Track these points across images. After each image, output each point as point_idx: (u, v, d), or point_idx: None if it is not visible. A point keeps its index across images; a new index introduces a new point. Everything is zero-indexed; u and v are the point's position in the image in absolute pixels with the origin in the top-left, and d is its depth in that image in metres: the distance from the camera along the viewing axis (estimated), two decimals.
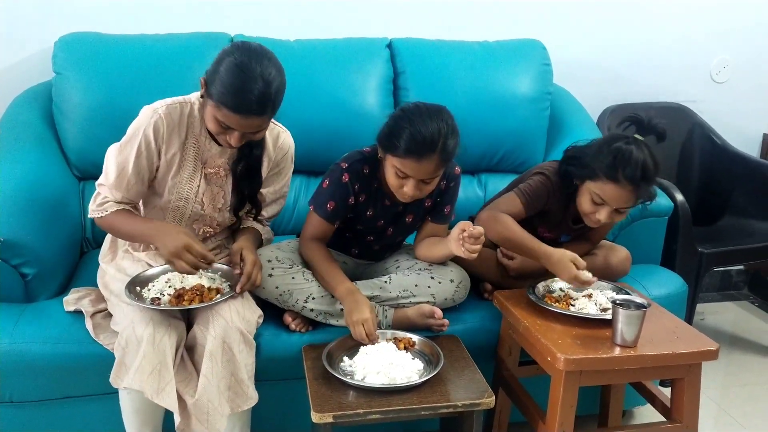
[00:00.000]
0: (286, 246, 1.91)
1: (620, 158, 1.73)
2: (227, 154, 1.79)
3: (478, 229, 1.68)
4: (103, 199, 1.74)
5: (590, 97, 2.71)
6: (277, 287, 1.78)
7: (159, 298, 1.66)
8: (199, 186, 1.79)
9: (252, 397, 1.66)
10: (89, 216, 1.77)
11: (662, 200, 2.18)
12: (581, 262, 1.76)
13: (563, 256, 1.77)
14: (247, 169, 1.80)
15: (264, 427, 1.80)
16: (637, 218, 2.15)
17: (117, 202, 1.74)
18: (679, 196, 2.27)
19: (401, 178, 1.71)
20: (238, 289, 1.70)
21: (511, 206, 1.91)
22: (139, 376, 1.55)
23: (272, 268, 1.79)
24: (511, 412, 1.94)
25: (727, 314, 3.04)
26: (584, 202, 1.82)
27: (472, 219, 2.07)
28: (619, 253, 1.97)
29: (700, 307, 2.78)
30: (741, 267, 3.20)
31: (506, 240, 1.87)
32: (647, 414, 2.15)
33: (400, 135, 1.67)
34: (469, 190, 2.49)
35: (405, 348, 1.70)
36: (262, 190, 1.89)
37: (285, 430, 1.91)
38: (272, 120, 1.75)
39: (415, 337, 1.75)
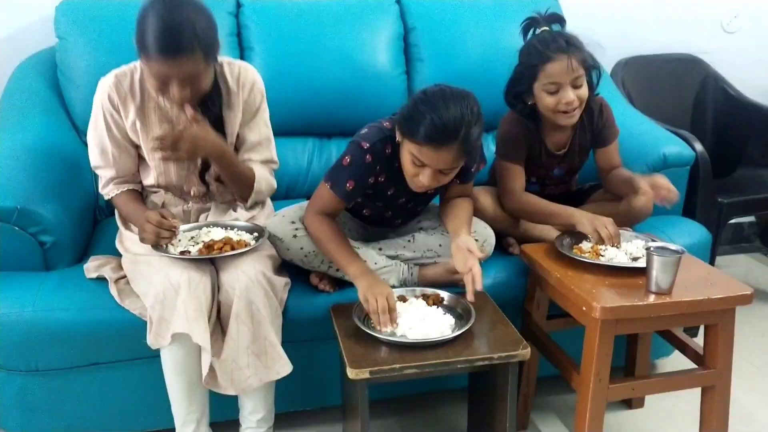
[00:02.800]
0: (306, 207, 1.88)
1: (541, 43, 1.84)
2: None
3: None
4: (105, 181, 1.79)
5: (606, 50, 2.67)
6: (302, 248, 1.76)
7: (188, 251, 1.65)
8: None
9: (287, 362, 1.64)
10: (106, 198, 1.83)
11: (683, 150, 2.17)
12: (611, 227, 1.76)
13: (593, 220, 1.79)
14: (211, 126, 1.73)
15: (292, 389, 1.79)
16: (659, 169, 2.14)
17: (116, 180, 1.78)
18: (699, 146, 2.25)
19: (417, 166, 1.62)
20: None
21: (511, 175, 1.95)
22: (184, 321, 1.53)
23: (296, 229, 1.76)
24: (539, 367, 1.94)
25: (740, 266, 3.06)
26: (546, 101, 1.85)
27: (491, 178, 2.07)
28: (641, 197, 1.92)
29: None
30: (752, 219, 3.21)
31: (538, 217, 1.93)
32: (672, 365, 2.16)
33: (420, 120, 1.56)
34: (485, 147, 2.46)
35: (434, 304, 1.69)
36: (239, 131, 1.82)
37: (313, 391, 1.90)
38: (230, 60, 1.79)
39: (443, 293, 1.73)
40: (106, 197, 1.82)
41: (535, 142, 1.97)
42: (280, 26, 2.31)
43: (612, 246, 1.75)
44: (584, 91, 1.86)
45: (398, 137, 1.67)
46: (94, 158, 1.78)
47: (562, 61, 1.80)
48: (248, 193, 1.83)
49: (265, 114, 1.87)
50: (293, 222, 1.78)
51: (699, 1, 2.89)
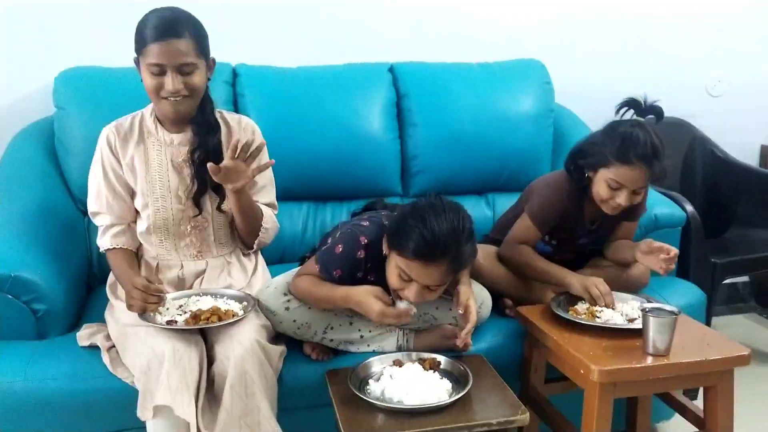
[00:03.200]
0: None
1: (629, 141, 1.78)
2: (189, 142, 1.81)
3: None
4: (103, 229, 1.84)
5: (591, 114, 2.72)
6: (294, 320, 1.75)
7: (175, 321, 1.64)
8: (169, 180, 1.81)
9: None
10: (101, 249, 1.86)
11: (675, 210, 2.20)
12: (599, 285, 1.77)
13: (583, 279, 1.80)
14: (206, 155, 1.77)
15: None
16: (652, 230, 2.16)
17: (113, 236, 1.82)
18: (690, 207, 2.29)
19: (404, 281, 1.59)
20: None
21: (527, 233, 1.95)
22: (166, 392, 1.51)
23: (288, 301, 1.76)
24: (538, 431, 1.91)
25: (736, 327, 3.05)
26: (601, 190, 1.85)
27: (485, 239, 2.08)
28: (639, 265, 1.96)
29: None
30: (746, 279, 3.22)
31: (528, 272, 1.93)
32: (672, 429, 2.13)
33: (410, 234, 1.53)
34: (477, 210, 2.49)
35: (431, 368, 1.68)
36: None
37: None
38: (230, 112, 1.92)
39: (440, 357, 1.72)
40: (102, 249, 1.84)
41: (572, 212, 1.95)
42: (276, 94, 2.35)
43: (604, 305, 1.76)
44: (639, 198, 1.87)
45: (385, 250, 1.65)
46: (91, 203, 1.84)
47: (638, 170, 1.78)
48: (257, 229, 1.86)
49: (266, 154, 1.90)
50: (285, 294, 1.77)
51: (684, 67, 2.97)
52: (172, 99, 1.72)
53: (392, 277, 1.63)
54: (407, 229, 1.55)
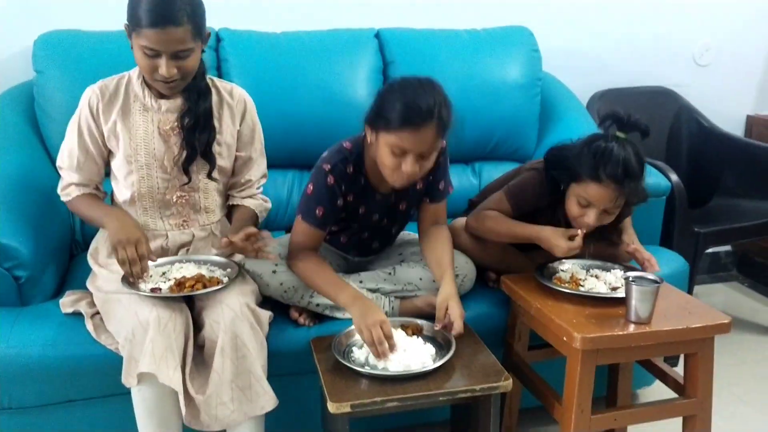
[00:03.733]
0: (287, 241, 1.87)
1: (600, 157, 1.69)
2: (177, 109, 1.76)
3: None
4: (65, 183, 1.78)
5: (578, 83, 2.73)
6: (281, 284, 1.76)
7: (159, 288, 1.63)
8: (155, 148, 1.75)
9: (272, 397, 1.62)
10: (62, 199, 1.80)
11: (660, 180, 2.21)
12: (574, 233, 1.74)
13: (552, 231, 1.76)
14: (195, 121, 1.75)
15: (273, 423, 1.76)
16: None
17: (78, 185, 1.77)
18: (674, 177, 2.30)
19: (398, 156, 1.62)
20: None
21: (498, 206, 1.90)
22: (151, 359, 1.51)
23: (275, 265, 1.77)
24: (521, 398, 1.93)
25: (718, 295, 3.09)
26: (571, 206, 1.78)
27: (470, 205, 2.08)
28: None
29: None
30: (729, 248, 3.25)
31: (498, 233, 1.87)
32: (652, 395, 2.17)
33: (393, 108, 1.58)
34: (463, 178, 2.49)
35: (414, 334, 1.69)
36: (240, 154, 1.86)
37: (294, 426, 1.88)
38: (221, 80, 1.85)
39: (422, 322, 1.73)
40: (66, 198, 1.79)
41: (548, 210, 1.90)
42: (260, 59, 2.32)
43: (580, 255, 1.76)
44: (610, 218, 1.79)
45: (370, 136, 1.67)
46: (61, 158, 1.78)
47: (608, 189, 1.70)
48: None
49: (261, 137, 1.91)
50: None
51: (671, 36, 2.96)
52: (164, 83, 1.67)
53: (386, 159, 1.63)
54: (389, 105, 1.60)
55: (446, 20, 2.62)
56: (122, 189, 1.81)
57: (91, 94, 1.75)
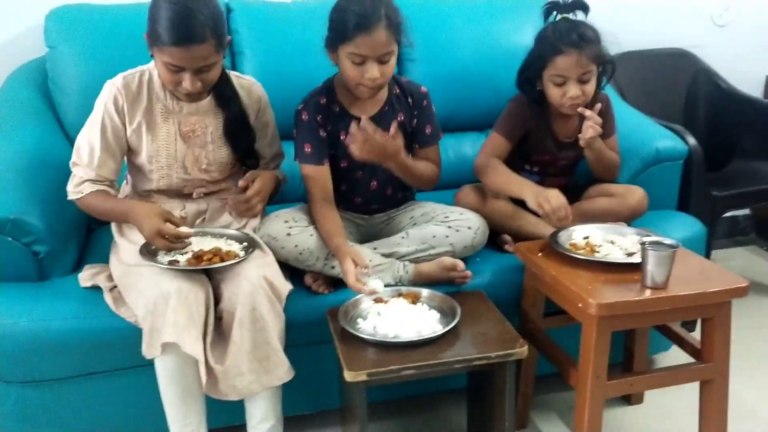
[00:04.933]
0: (301, 208, 1.91)
1: (555, 34, 1.86)
2: (199, 111, 1.78)
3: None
4: (79, 180, 1.74)
5: None
6: (296, 246, 1.77)
7: (177, 261, 1.64)
8: (176, 149, 1.78)
9: (290, 368, 1.64)
10: (68, 198, 1.76)
11: (677, 144, 2.18)
12: (553, 200, 1.78)
13: (537, 195, 1.81)
14: (235, 128, 1.80)
15: (291, 392, 1.78)
16: (652, 164, 2.14)
17: (92, 182, 1.74)
18: (692, 140, 2.26)
19: (359, 64, 1.70)
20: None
21: (495, 144, 2.00)
22: (173, 329, 1.53)
23: (290, 227, 1.78)
24: (537, 365, 1.93)
25: (737, 259, 3.05)
26: (552, 92, 1.89)
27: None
28: (636, 193, 1.97)
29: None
30: (748, 212, 3.21)
31: (498, 188, 1.96)
32: (669, 360, 2.16)
33: (343, 20, 1.69)
34: (477, 147, 2.41)
35: (415, 302, 1.69)
36: (256, 144, 1.88)
37: (311, 395, 1.90)
38: (237, 74, 1.86)
39: (420, 290, 1.74)
40: (77, 196, 1.74)
41: (541, 128, 1.99)
42: (270, 29, 2.30)
43: (557, 221, 1.78)
44: (590, 87, 1.89)
45: (330, 55, 1.78)
46: (78, 155, 1.74)
47: (571, 55, 1.83)
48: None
49: (275, 126, 1.94)
50: (287, 221, 1.80)
51: None
52: (187, 94, 1.69)
53: (348, 71, 1.73)
54: (338, 18, 1.72)
55: None
56: (142, 181, 1.83)
57: (115, 91, 1.72)
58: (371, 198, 1.97)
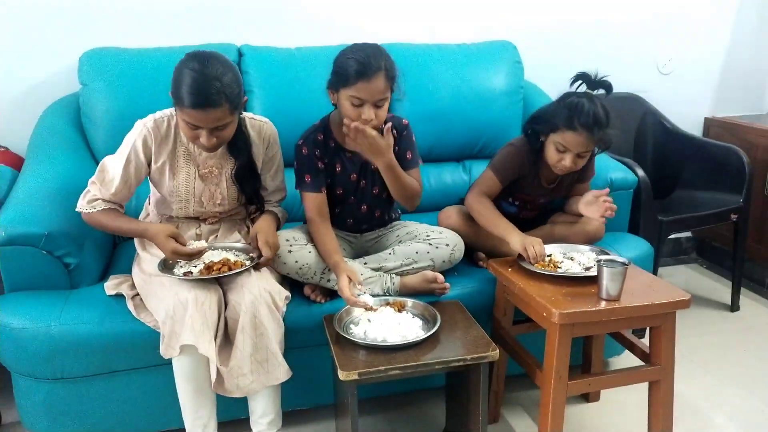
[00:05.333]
0: (301, 228, 1.90)
1: (575, 110, 1.77)
2: (217, 155, 1.77)
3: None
4: (93, 197, 1.70)
5: (556, 90, 2.67)
6: (296, 261, 1.76)
7: (191, 272, 1.64)
8: (194, 187, 1.77)
9: (286, 369, 1.63)
10: (77, 209, 1.71)
11: (628, 175, 2.20)
12: (528, 242, 1.77)
13: (522, 240, 1.78)
14: (243, 173, 1.79)
15: (291, 389, 1.77)
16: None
17: (105, 201, 1.70)
18: (641, 172, 2.28)
19: (357, 106, 1.68)
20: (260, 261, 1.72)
21: (488, 183, 1.95)
22: (191, 333, 1.53)
23: (291, 246, 1.77)
24: (507, 366, 1.93)
25: (679, 276, 3.07)
26: (551, 153, 1.85)
27: (461, 201, 2.07)
28: (593, 221, 1.97)
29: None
30: (689, 234, 3.23)
31: (481, 220, 1.91)
32: (622, 363, 2.16)
33: (347, 66, 1.67)
34: (455, 175, 2.49)
35: (400, 310, 1.69)
36: (262, 175, 1.86)
37: (308, 392, 1.88)
38: (252, 116, 1.83)
39: (406, 300, 1.73)
40: (89, 210, 1.69)
41: (531, 174, 1.95)
42: (278, 72, 2.31)
43: (540, 263, 1.75)
44: (584, 161, 1.86)
45: (332, 98, 1.76)
46: (99, 176, 1.71)
47: (581, 135, 1.78)
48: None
49: (281, 163, 1.91)
50: (288, 240, 1.79)
51: (638, 48, 2.93)
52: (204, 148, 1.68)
53: (347, 112, 1.70)
54: (342, 65, 1.69)
55: (440, 35, 2.60)
56: (162, 206, 1.82)
57: (145, 131, 1.70)
58: (361, 219, 1.97)
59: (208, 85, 1.54)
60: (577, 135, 1.78)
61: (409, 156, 1.90)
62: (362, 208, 1.94)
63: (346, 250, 1.94)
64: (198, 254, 1.67)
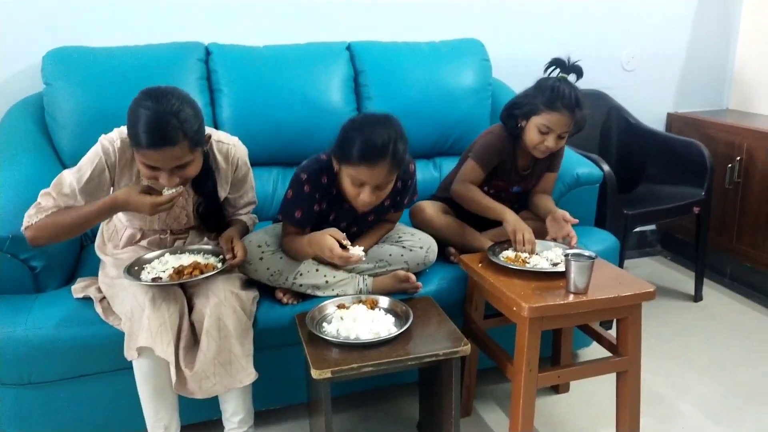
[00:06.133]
0: (272, 231, 1.85)
1: (556, 92, 1.85)
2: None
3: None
4: (41, 208, 1.57)
5: (523, 87, 2.69)
6: (268, 268, 1.74)
7: (160, 277, 1.60)
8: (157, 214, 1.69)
9: (251, 372, 1.61)
10: (24, 224, 1.56)
11: (593, 170, 2.23)
12: (524, 229, 1.81)
13: (515, 218, 1.85)
14: (205, 209, 1.75)
15: (264, 389, 1.75)
16: (574, 187, 2.19)
17: (57, 206, 1.59)
18: (606, 167, 2.31)
19: (357, 186, 1.63)
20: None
21: (472, 172, 1.98)
22: (148, 335, 1.51)
23: (262, 252, 1.75)
24: (479, 360, 1.94)
25: (644, 268, 3.13)
26: (532, 135, 1.90)
27: (433, 197, 2.08)
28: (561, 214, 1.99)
29: None
30: (654, 228, 3.29)
31: (474, 206, 1.94)
32: (590, 355, 2.19)
33: (352, 144, 1.57)
34: (426, 172, 2.49)
35: (373, 308, 1.69)
36: (230, 196, 1.83)
37: (282, 391, 1.87)
38: (219, 138, 1.73)
39: (378, 297, 1.73)
40: (38, 217, 1.55)
41: (508, 159, 2.00)
42: (246, 70, 2.29)
43: (525, 251, 1.79)
44: (563, 142, 1.93)
45: (336, 166, 1.66)
46: (55, 188, 1.58)
47: (564, 116, 1.85)
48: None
49: (251, 180, 1.86)
50: (259, 246, 1.76)
51: (603, 45, 2.98)
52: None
53: (347, 187, 1.65)
54: (350, 142, 1.59)
55: (409, 34, 2.60)
56: (129, 219, 1.76)
57: (110, 150, 1.59)
58: (349, 236, 1.94)
59: (164, 122, 1.44)
60: (560, 115, 1.84)
61: (406, 201, 1.87)
62: (352, 230, 1.88)
63: None
64: (178, 196, 1.57)
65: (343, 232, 1.68)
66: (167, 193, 1.55)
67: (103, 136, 1.63)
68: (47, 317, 1.62)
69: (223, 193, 1.79)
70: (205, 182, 1.70)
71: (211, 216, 1.78)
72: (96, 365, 1.67)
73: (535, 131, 1.89)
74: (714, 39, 3.15)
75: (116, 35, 2.29)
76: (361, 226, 1.86)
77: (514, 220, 1.84)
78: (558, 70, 1.93)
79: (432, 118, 2.45)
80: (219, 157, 1.73)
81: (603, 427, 1.91)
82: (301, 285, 1.77)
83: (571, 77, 1.91)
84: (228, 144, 1.76)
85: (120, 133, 1.61)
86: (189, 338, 1.59)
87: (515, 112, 1.93)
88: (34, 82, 2.19)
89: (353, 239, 1.81)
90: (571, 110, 1.84)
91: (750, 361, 2.28)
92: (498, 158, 1.98)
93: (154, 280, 1.59)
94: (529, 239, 1.80)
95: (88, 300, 1.69)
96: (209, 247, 1.76)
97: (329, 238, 1.63)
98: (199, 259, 1.68)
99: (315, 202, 1.72)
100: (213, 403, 1.67)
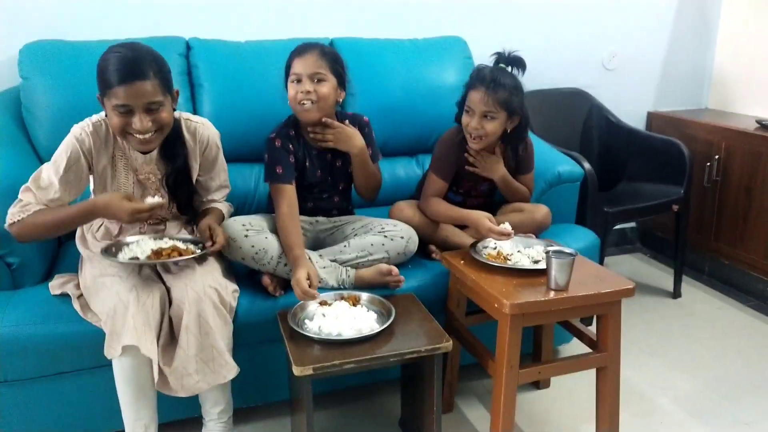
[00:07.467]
0: (257, 216, 1.88)
1: (476, 72, 1.92)
2: (153, 161, 1.71)
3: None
4: (26, 203, 1.57)
5: None
6: (252, 246, 1.74)
7: (137, 257, 1.58)
8: (134, 193, 1.71)
9: (234, 367, 1.60)
10: (7, 222, 1.56)
11: (574, 168, 2.24)
12: (494, 220, 1.84)
13: (479, 214, 1.87)
14: (176, 178, 1.74)
15: (244, 386, 1.75)
16: (555, 184, 2.20)
17: (38, 204, 1.59)
18: (587, 165, 2.33)
19: (296, 82, 1.80)
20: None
21: (434, 185, 2.00)
22: (133, 333, 1.49)
23: (247, 230, 1.76)
24: (461, 356, 1.95)
25: (625, 265, 3.16)
26: (463, 119, 1.94)
27: (413, 196, 2.09)
28: (541, 210, 2.02)
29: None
30: (634, 225, 3.33)
31: (442, 217, 1.96)
32: (571, 351, 2.21)
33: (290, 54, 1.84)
34: (409, 169, 2.49)
35: (355, 304, 1.69)
36: (201, 178, 1.83)
37: (263, 388, 1.86)
38: (189, 116, 1.75)
39: (360, 294, 1.73)
40: (21, 216, 1.55)
41: (466, 163, 1.99)
42: (226, 65, 2.27)
43: (503, 239, 1.80)
44: (492, 126, 1.89)
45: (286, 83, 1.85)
46: (34, 183, 1.59)
47: (479, 91, 1.86)
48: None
49: (222, 162, 1.86)
50: (244, 225, 1.77)
51: (584, 43, 3.00)
52: (140, 137, 1.57)
53: (290, 89, 1.83)
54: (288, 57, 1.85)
55: (391, 31, 2.60)
56: None
57: (84, 136, 1.61)
58: (321, 206, 1.98)
59: (136, 58, 1.52)
60: (476, 92, 1.87)
61: (370, 152, 1.94)
62: (324, 196, 1.97)
63: (304, 243, 1.92)
64: (159, 208, 1.59)
65: (320, 182, 1.91)
66: (149, 201, 1.57)
67: (75, 125, 1.64)
68: (24, 314, 1.60)
69: (193, 174, 1.78)
70: (174, 149, 1.70)
71: (181, 190, 1.76)
72: (74, 363, 1.65)
73: (465, 114, 1.93)
74: (694, 39, 3.19)
75: (95, 29, 2.26)
76: (335, 173, 1.96)
77: (476, 218, 1.85)
78: (497, 61, 1.95)
79: (414, 116, 2.45)
80: (187, 135, 1.75)
81: (583, 422, 1.93)
82: (285, 264, 1.76)
83: (515, 71, 1.94)
84: (196, 123, 1.78)
85: (91, 119, 1.65)
86: (167, 335, 1.58)
87: (458, 108, 1.98)
88: (10, 75, 2.16)
89: (334, 189, 1.98)
90: (486, 86, 1.85)
91: (727, 357, 2.31)
92: (454, 165, 1.99)
93: (131, 259, 1.57)
94: (500, 229, 1.79)
95: (65, 297, 1.67)
96: (189, 237, 1.75)
97: (303, 273, 1.67)
98: (179, 245, 1.67)
99: (289, 154, 1.86)
100: (189, 401, 1.65)
